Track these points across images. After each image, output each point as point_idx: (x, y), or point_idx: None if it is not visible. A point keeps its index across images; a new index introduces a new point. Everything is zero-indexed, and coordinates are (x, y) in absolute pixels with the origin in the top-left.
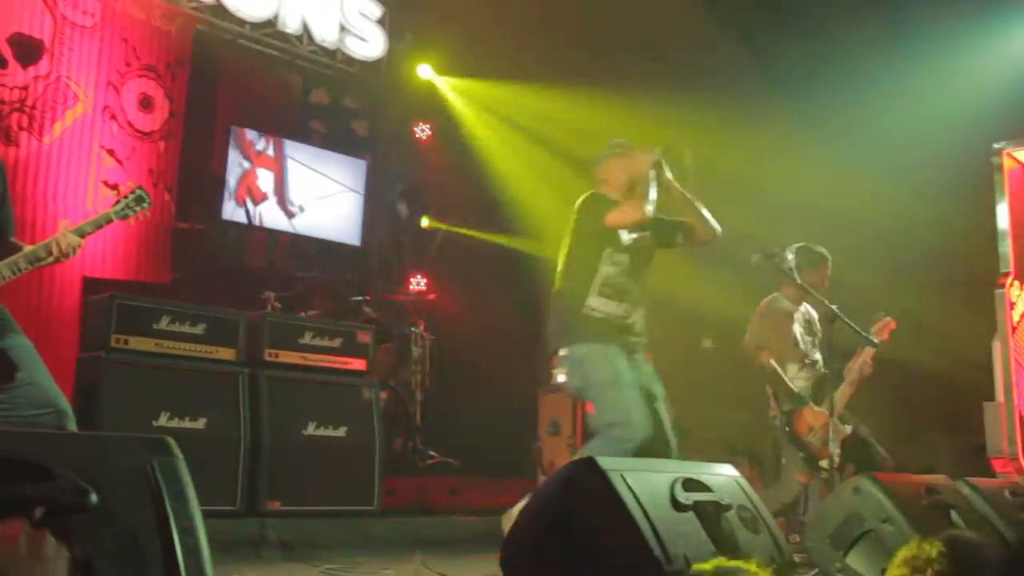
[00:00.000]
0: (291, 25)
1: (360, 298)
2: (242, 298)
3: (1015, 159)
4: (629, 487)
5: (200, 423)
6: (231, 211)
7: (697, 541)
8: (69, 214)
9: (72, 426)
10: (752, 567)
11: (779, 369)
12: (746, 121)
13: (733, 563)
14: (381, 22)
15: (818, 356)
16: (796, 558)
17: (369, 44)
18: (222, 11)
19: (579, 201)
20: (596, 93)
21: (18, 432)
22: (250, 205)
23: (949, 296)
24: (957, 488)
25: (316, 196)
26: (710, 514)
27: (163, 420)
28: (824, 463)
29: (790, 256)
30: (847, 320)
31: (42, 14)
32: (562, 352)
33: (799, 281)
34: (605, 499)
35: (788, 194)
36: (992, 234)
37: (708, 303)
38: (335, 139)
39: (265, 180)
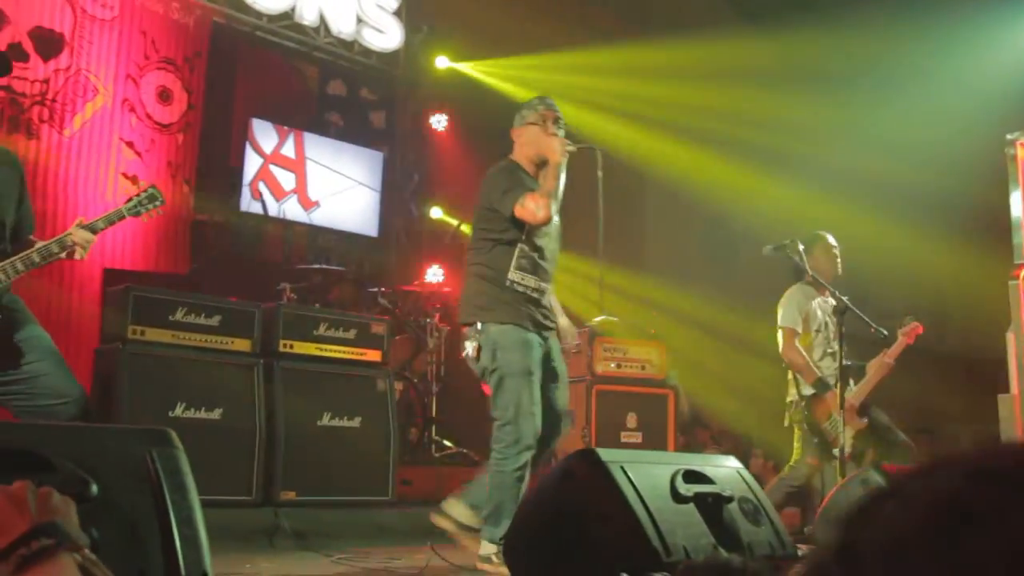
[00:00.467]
0: (308, 17)
1: (376, 289)
2: (258, 289)
3: None
4: (629, 478)
5: (216, 414)
6: (248, 203)
7: (697, 532)
8: (89, 206)
9: (87, 416)
10: None
11: (807, 356)
12: (775, 101)
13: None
14: (397, 14)
15: (837, 346)
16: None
17: (386, 36)
18: (239, 3)
19: (495, 171)
20: (632, 52)
21: (20, 424)
22: (270, 200)
23: (970, 283)
24: None
25: (334, 190)
26: (710, 505)
27: (179, 411)
28: (836, 451)
29: (801, 246)
30: (858, 312)
31: (63, 8)
32: (478, 326)
33: (809, 271)
34: (604, 490)
35: (817, 172)
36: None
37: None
38: (352, 131)
39: (287, 180)
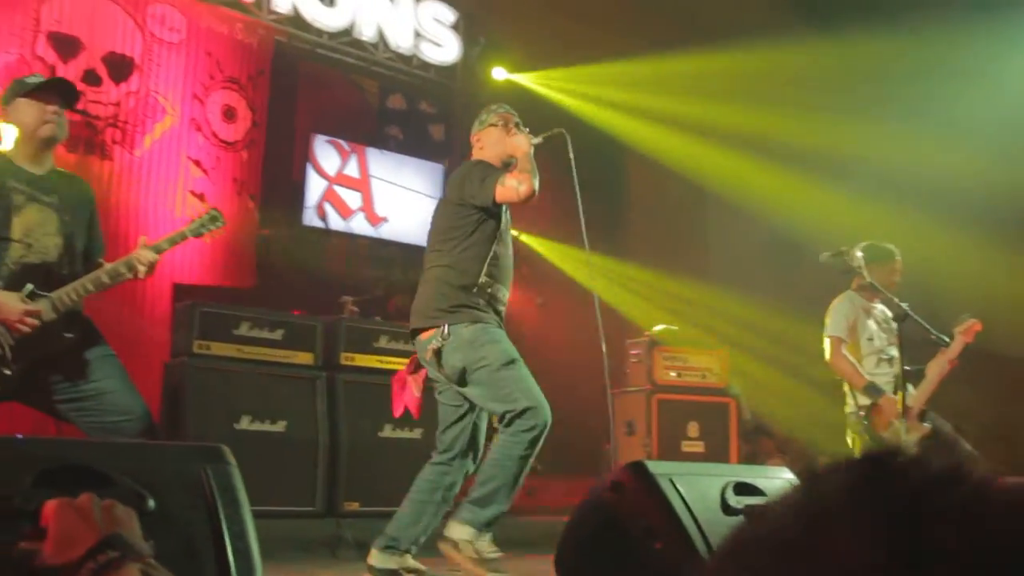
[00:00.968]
0: (367, 33)
1: None
2: (322, 302)
3: None
4: (677, 490)
5: (280, 426)
6: (311, 216)
7: None
8: (159, 223)
9: (151, 431)
10: None
11: (855, 362)
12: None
13: None
14: (455, 27)
15: (895, 352)
16: None
17: (444, 49)
18: (300, 22)
19: (468, 164)
20: (689, 61)
21: (81, 441)
22: (336, 219)
23: None
24: None
25: (399, 204)
26: None
27: (244, 423)
28: None
29: (859, 254)
30: (918, 319)
31: (133, 33)
32: (445, 330)
33: (868, 279)
34: (653, 502)
35: (865, 168)
36: None
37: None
38: (412, 144)
39: (352, 199)
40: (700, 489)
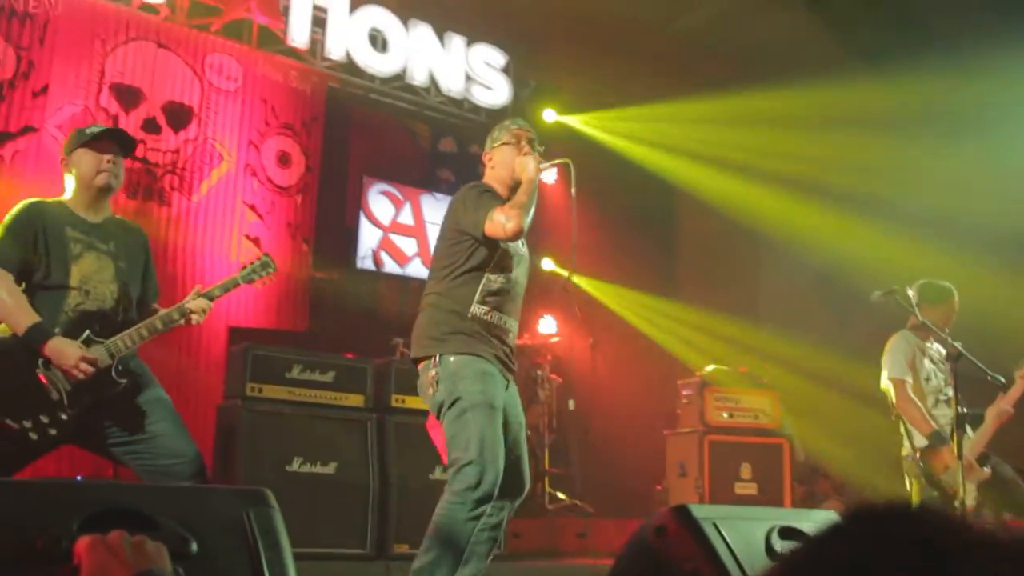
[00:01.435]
0: (419, 78)
1: None
2: (374, 344)
3: None
4: (722, 535)
5: (331, 468)
6: (365, 261)
7: None
8: (216, 267)
9: (202, 474)
10: None
11: (923, 408)
12: (887, 145)
13: None
14: (505, 70)
15: (951, 392)
16: None
17: (494, 92)
18: (353, 68)
19: (466, 189)
20: (741, 101)
21: (129, 485)
22: (392, 265)
23: None
24: None
25: None
26: None
27: (296, 465)
28: (957, 503)
29: (911, 292)
30: (972, 358)
31: (192, 82)
32: (436, 359)
33: (921, 318)
34: (696, 547)
35: (916, 205)
36: None
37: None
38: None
39: (408, 245)
40: (745, 533)
